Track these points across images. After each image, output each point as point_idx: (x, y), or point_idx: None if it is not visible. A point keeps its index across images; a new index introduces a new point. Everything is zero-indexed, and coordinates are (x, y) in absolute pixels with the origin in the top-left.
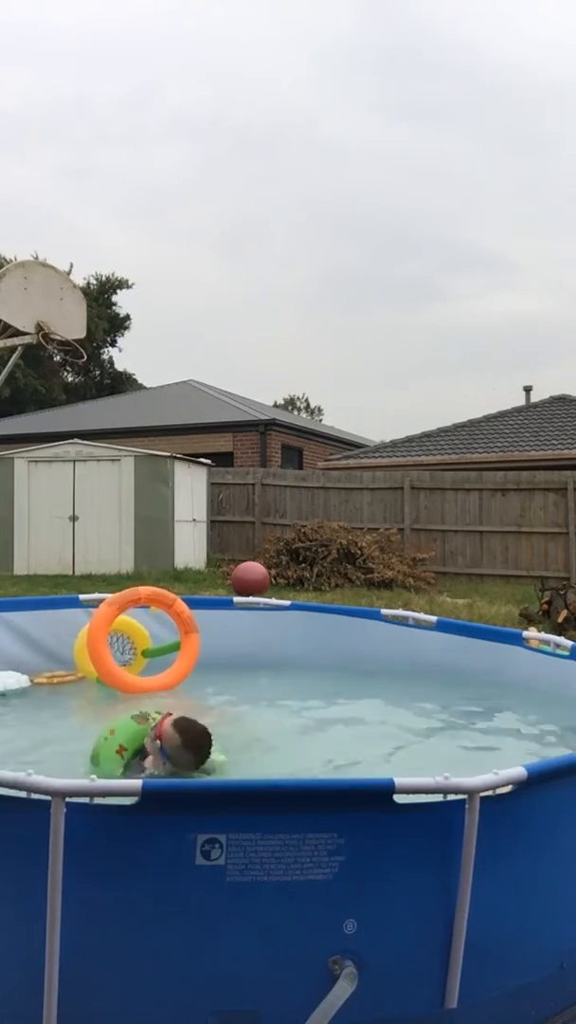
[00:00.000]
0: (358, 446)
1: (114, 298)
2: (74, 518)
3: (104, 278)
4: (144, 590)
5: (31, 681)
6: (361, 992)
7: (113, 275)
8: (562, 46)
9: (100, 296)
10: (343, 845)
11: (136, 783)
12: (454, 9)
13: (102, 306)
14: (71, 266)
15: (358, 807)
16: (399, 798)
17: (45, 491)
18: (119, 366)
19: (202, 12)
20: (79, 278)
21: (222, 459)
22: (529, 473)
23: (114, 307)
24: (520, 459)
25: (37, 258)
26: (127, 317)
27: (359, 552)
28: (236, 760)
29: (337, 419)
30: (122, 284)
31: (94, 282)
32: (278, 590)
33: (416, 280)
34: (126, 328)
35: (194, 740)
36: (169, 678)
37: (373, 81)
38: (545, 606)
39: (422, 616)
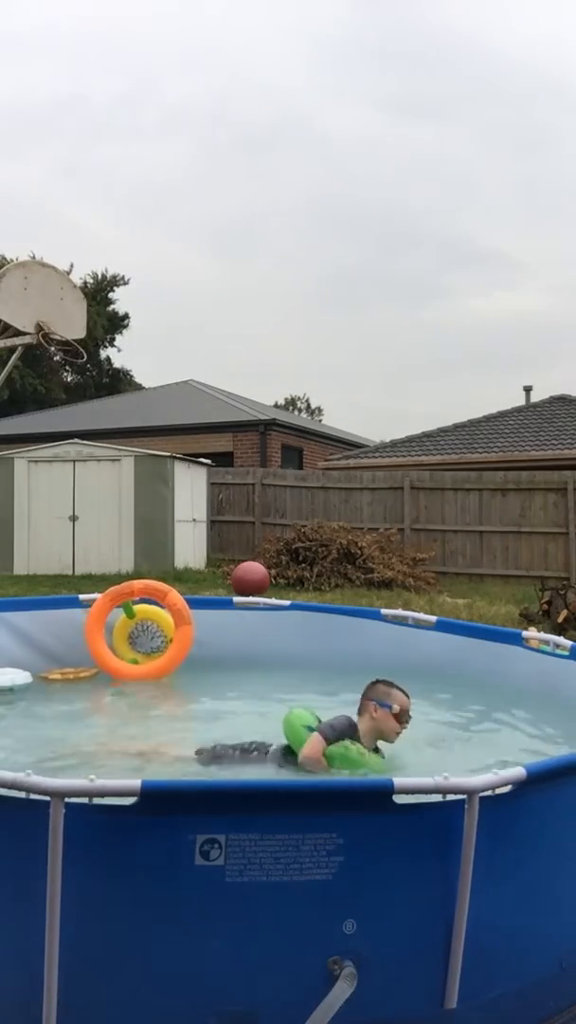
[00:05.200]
0: (358, 446)
1: (112, 295)
2: (74, 518)
3: (101, 276)
4: (138, 583)
5: (42, 678)
6: (361, 992)
7: (107, 271)
8: (564, 42)
9: (97, 294)
10: (342, 845)
11: (135, 783)
12: (455, 3)
13: (100, 304)
14: (71, 266)
15: (357, 807)
16: (398, 798)
17: (45, 491)
18: (117, 364)
19: (199, 7)
20: (77, 277)
21: (222, 459)
22: (529, 473)
23: (112, 305)
24: (520, 459)
25: (34, 257)
26: (126, 315)
27: (359, 552)
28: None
29: (337, 419)
30: (118, 281)
31: (91, 281)
32: (278, 590)
33: (417, 278)
34: (124, 327)
35: (402, 689)
36: (159, 666)
37: (372, 76)
38: (545, 606)
39: (422, 616)
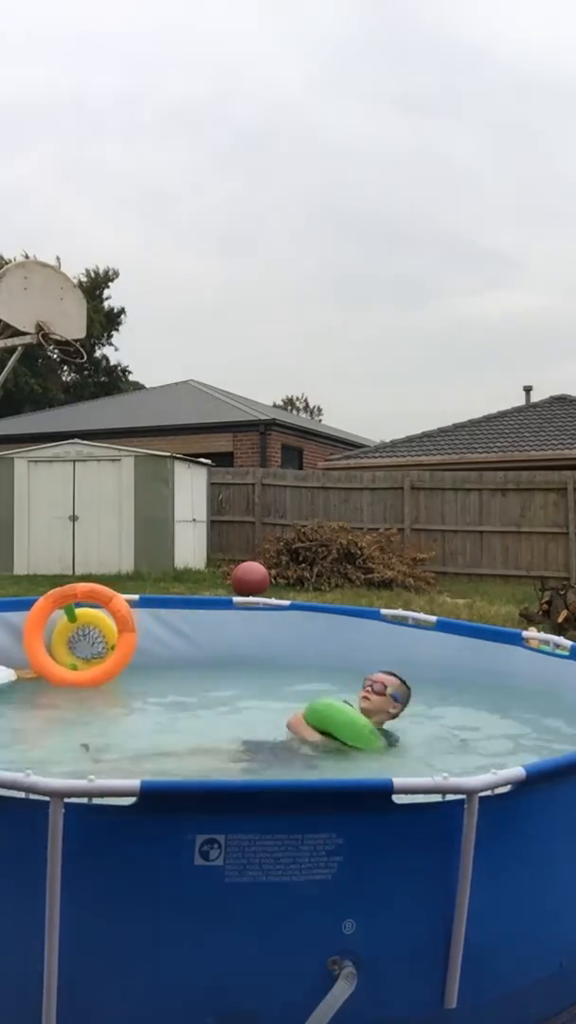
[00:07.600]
0: (358, 446)
1: (107, 291)
2: (74, 518)
3: (95, 273)
4: (82, 586)
5: (17, 676)
6: (360, 992)
7: (98, 268)
8: (564, 42)
9: (93, 291)
10: (342, 845)
11: (135, 783)
12: (456, 3)
13: (96, 300)
14: (58, 260)
15: (357, 807)
16: (398, 798)
17: (45, 491)
18: (115, 362)
19: (198, 6)
20: (71, 274)
21: (222, 459)
22: (529, 473)
23: (107, 300)
24: (520, 459)
25: (28, 256)
26: (122, 311)
27: (359, 552)
28: None
29: (337, 419)
30: (111, 276)
31: (85, 279)
32: (278, 590)
33: (417, 278)
34: (121, 323)
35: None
36: (97, 674)
37: (372, 75)
38: (545, 606)
39: (422, 616)
